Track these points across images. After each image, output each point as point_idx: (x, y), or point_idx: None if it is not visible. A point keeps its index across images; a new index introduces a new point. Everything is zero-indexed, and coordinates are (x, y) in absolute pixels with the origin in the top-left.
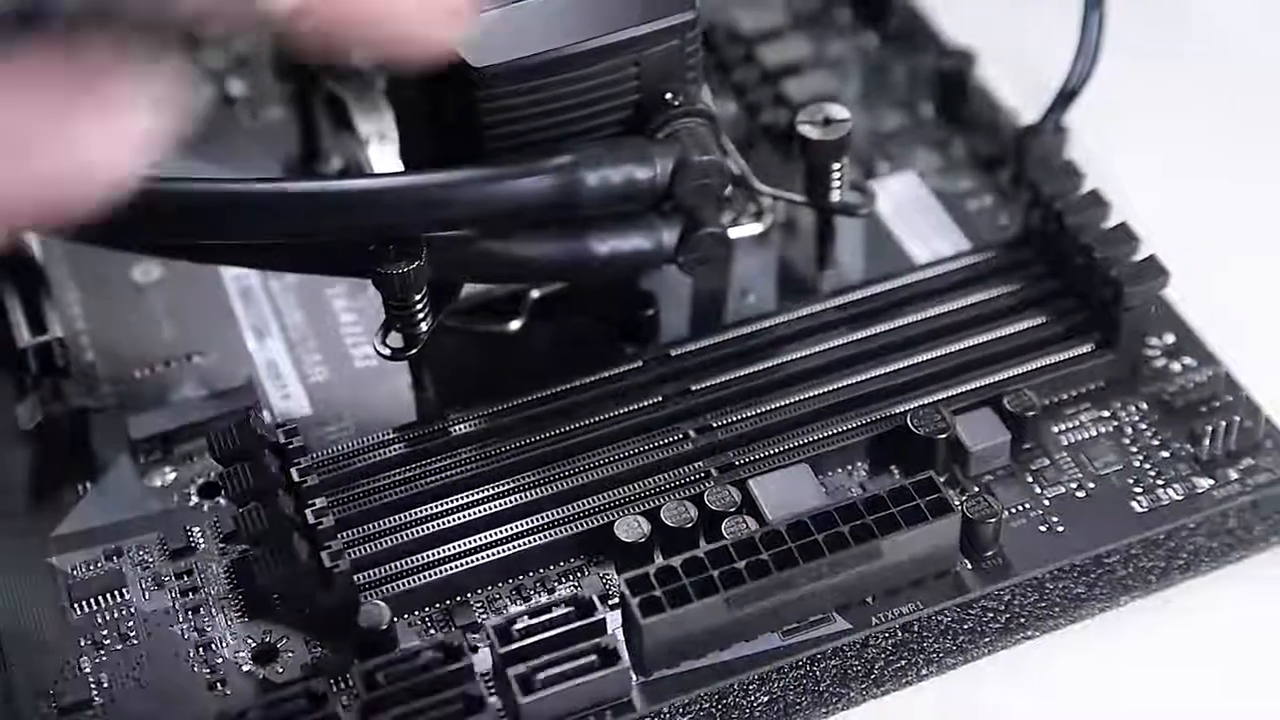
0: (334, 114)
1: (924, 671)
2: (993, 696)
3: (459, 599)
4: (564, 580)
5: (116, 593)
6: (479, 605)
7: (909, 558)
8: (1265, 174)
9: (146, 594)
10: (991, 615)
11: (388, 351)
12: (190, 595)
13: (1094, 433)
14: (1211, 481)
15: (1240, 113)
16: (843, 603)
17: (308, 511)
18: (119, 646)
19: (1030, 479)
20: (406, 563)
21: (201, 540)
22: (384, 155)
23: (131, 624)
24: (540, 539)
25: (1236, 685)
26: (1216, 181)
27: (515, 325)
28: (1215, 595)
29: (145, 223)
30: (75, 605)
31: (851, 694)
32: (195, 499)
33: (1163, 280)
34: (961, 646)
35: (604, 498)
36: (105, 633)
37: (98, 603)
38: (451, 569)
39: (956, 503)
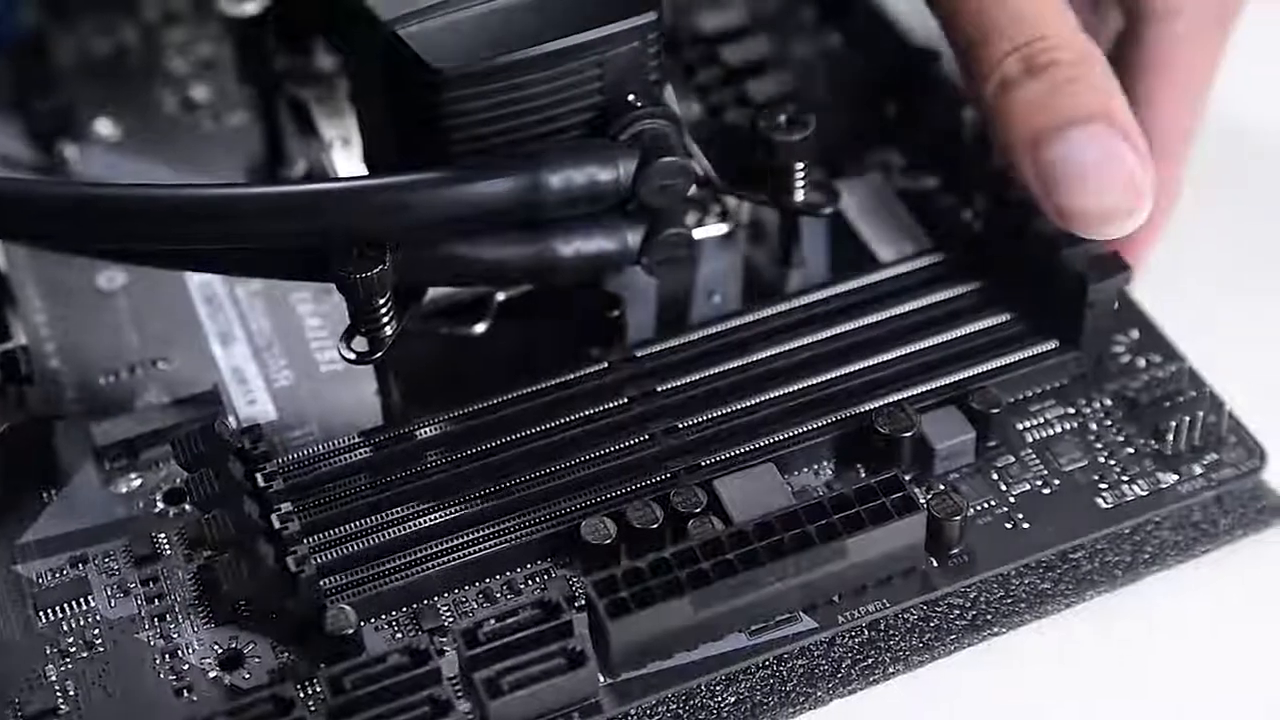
0: (297, 118)
1: (891, 670)
2: (960, 693)
3: (425, 603)
4: (531, 583)
5: (82, 600)
6: (446, 609)
7: (875, 556)
8: (1226, 171)
9: (112, 601)
10: (958, 612)
11: (353, 356)
12: (156, 602)
13: (1058, 429)
14: (1176, 477)
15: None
16: (809, 602)
17: (273, 517)
18: (84, 654)
19: (995, 476)
20: (373, 567)
21: (167, 547)
22: (347, 159)
23: (97, 631)
24: (506, 542)
25: (1204, 677)
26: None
27: (481, 328)
28: (1181, 589)
29: (98, 229)
30: (40, 613)
31: (819, 693)
32: (161, 505)
33: (1125, 275)
34: (928, 644)
35: (570, 500)
36: (71, 640)
37: (63, 610)
38: (418, 573)
39: (922, 501)
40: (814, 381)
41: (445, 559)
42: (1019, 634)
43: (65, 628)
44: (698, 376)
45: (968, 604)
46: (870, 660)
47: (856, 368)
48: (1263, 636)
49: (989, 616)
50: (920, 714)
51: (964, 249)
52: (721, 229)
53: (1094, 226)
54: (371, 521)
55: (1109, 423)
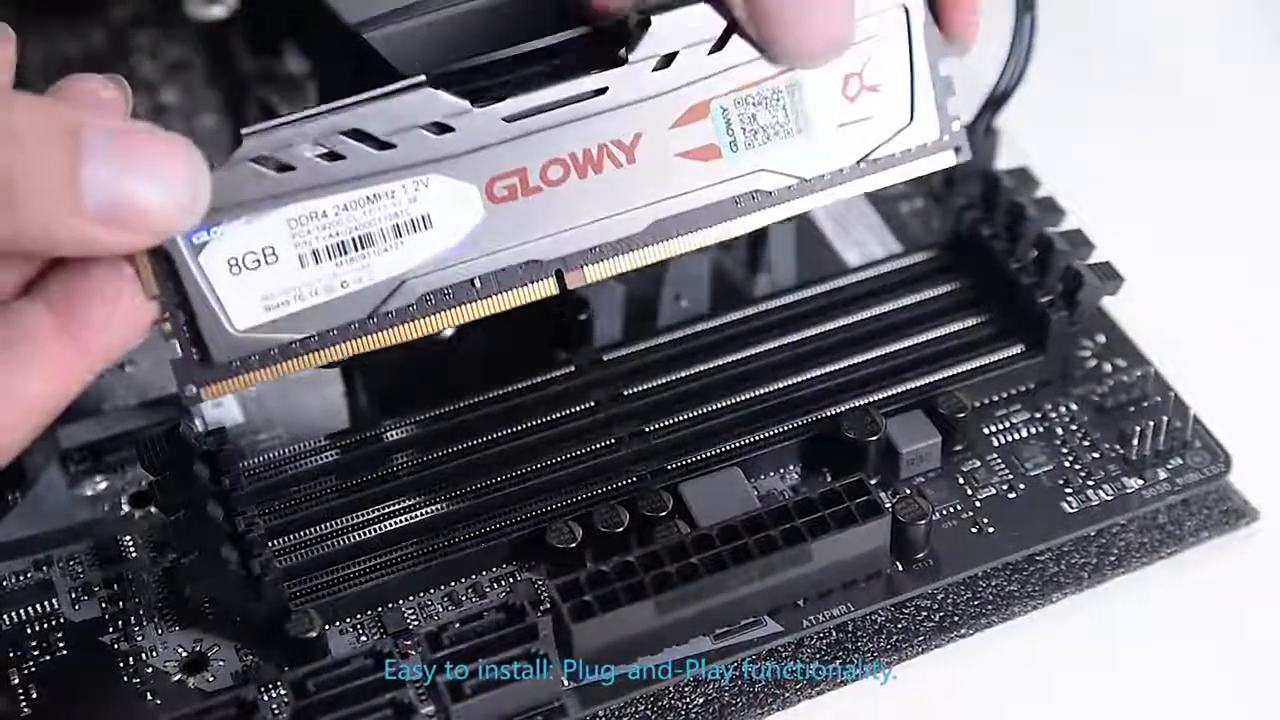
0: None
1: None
2: (928, 693)
3: (390, 606)
4: (496, 586)
5: (46, 603)
6: (411, 612)
7: (840, 560)
8: (1194, 178)
9: (76, 604)
10: (925, 614)
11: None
12: (120, 605)
13: (1024, 434)
14: (1141, 481)
15: (1170, 117)
16: (774, 606)
17: (237, 520)
18: (48, 657)
19: (961, 481)
20: (338, 570)
21: (132, 550)
22: None
23: (61, 634)
24: (472, 545)
25: (1170, 677)
26: (1146, 185)
27: (448, 332)
28: (1147, 590)
29: None
30: (4, 616)
31: (787, 694)
32: (126, 508)
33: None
34: (896, 645)
35: (536, 503)
36: (34, 643)
37: (27, 613)
38: (383, 576)
39: (887, 505)
40: (780, 386)
41: (410, 562)
42: (986, 635)
43: (29, 631)
44: (665, 380)
45: (935, 606)
46: (838, 662)
47: (823, 372)
48: (1228, 637)
49: (956, 618)
50: (888, 715)
51: (931, 253)
52: None
53: (801, 62)
54: (337, 525)
55: (1075, 427)
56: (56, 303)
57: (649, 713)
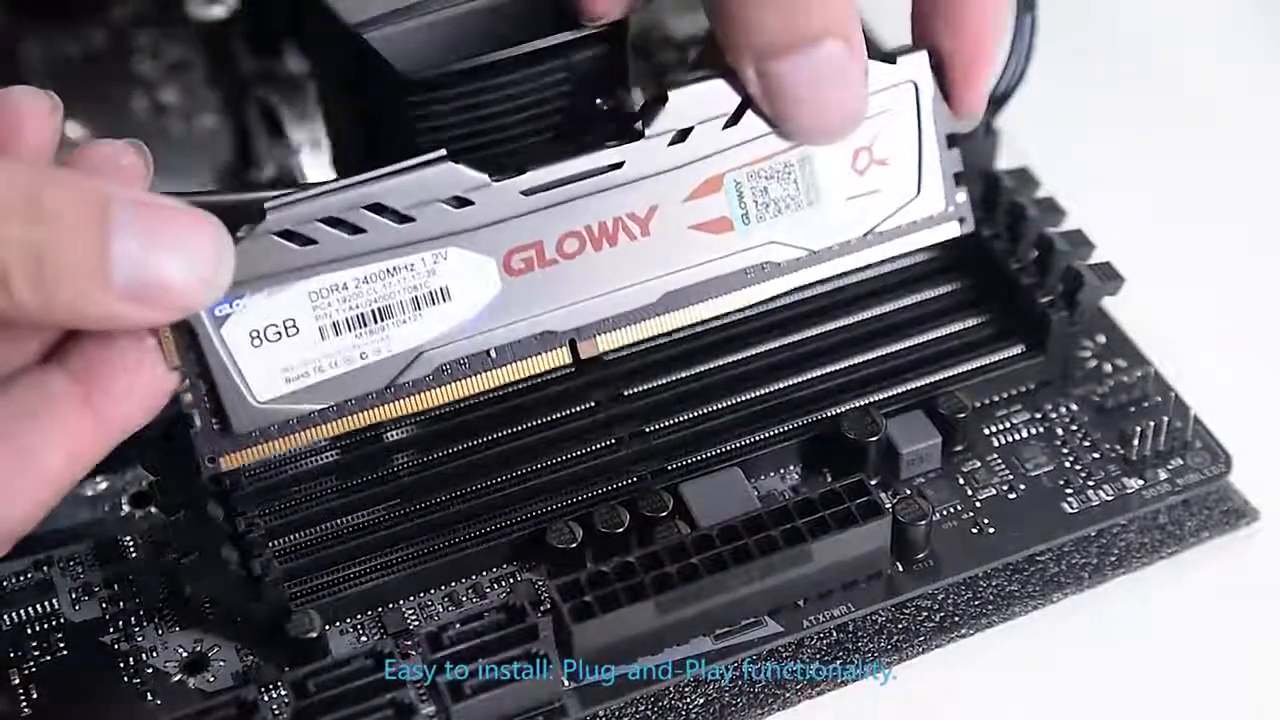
0: (266, 121)
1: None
2: (928, 693)
3: (391, 606)
4: (496, 586)
5: (46, 603)
6: (411, 612)
7: (840, 560)
8: (1194, 178)
9: (76, 604)
10: (925, 614)
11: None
12: (121, 605)
13: (1025, 434)
14: (1141, 482)
15: (1170, 117)
16: (774, 606)
17: (238, 520)
18: (48, 657)
19: (961, 481)
20: (338, 570)
21: (133, 549)
22: (316, 162)
23: (61, 634)
24: (473, 545)
25: (1171, 677)
26: (1146, 185)
27: None
28: (1148, 590)
29: None
30: (4, 616)
31: (787, 694)
32: (126, 508)
33: (1115, 284)
34: (896, 645)
35: (536, 503)
36: (34, 643)
37: (27, 613)
38: (383, 577)
39: (887, 505)
40: (781, 386)
41: (411, 563)
42: (986, 635)
43: (29, 631)
44: (665, 380)
45: (935, 606)
46: (838, 662)
47: (823, 372)
48: (1228, 637)
49: (956, 618)
50: (888, 715)
51: (932, 254)
52: None
53: (814, 139)
54: (337, 525)
55: (1075, 428)
56: (78, 372)
57: (649, 713)
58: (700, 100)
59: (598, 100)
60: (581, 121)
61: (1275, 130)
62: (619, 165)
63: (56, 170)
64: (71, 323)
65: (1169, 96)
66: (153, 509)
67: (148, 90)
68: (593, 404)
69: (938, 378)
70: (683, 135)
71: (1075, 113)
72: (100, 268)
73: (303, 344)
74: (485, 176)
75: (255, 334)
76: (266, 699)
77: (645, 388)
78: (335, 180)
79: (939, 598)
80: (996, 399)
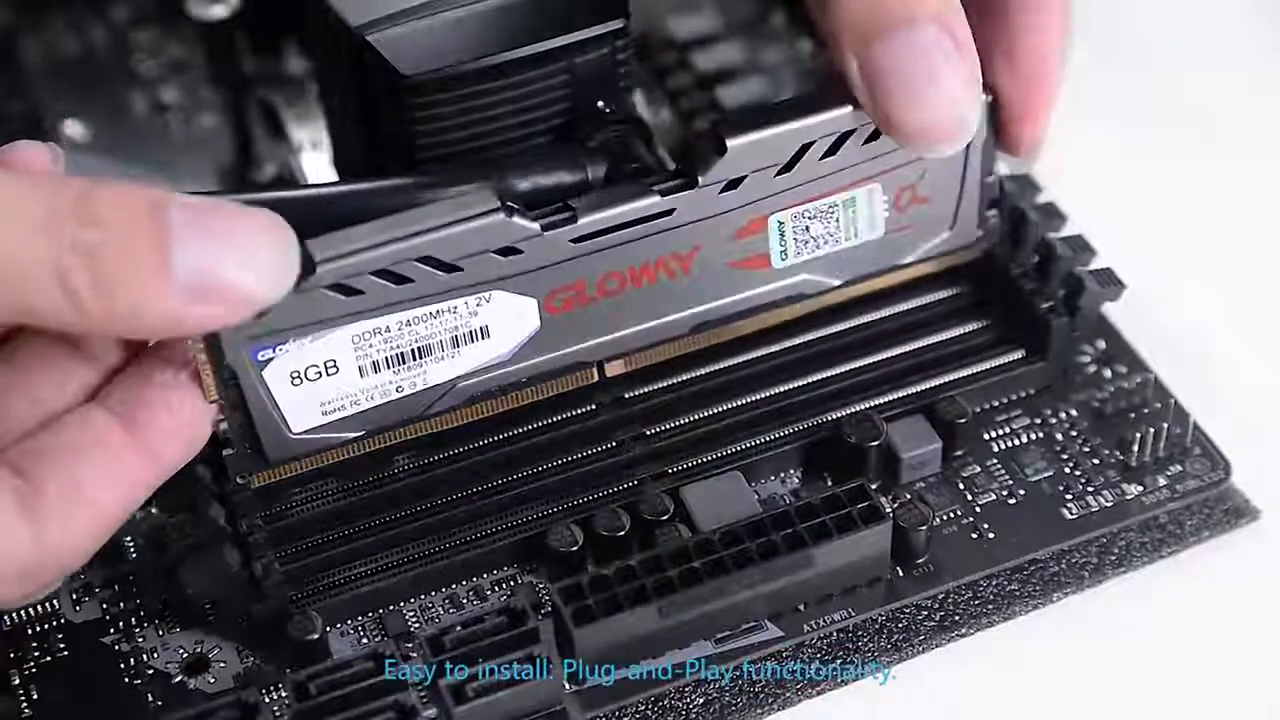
0: (267, 121)
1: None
2: (928, 693)
3: (392, 608)
4: (497, 589)
5: (46, 603)
6: (412, 614)
7: (841, 565)
8: (1195, 183)
9: (77, 605)
10: (925, 614)
11: None
12: (121, 605)
13: (1025, 440)
14: (1140, 488)
15: (1170, 119)
16: (775, 610)
17: (241, 521)
18: (48, 658)
19: (961, 486)
20: (339, 572)
21: (133, 550)
22: (316, 163)
23: (61, 635)
24: (474, 548)
25: (1171, 676)
26: (1148, 189)
27: None
28: (1148, 589)
29: None
30: (4, 616)
31: (787, 694)
32: None
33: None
34: (896, 645)
35: (537, 506)
36: (35, 644)
37: (27, 614)
38: (384, 579)
39: (888, 510)
40: (782, 390)
41: (412, 565)
42: (986, 635)
43: (29, 632)
44: (666, 384)
45: (935, 606)
46: (839, 661)
47: (824, 376)
48: (1229, 636)
49: (956, 618)
50: (888, 715)
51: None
52: None
53: (917, 141)
54: (339, 527)
55: (1075, 433)
56: (121, 410)
57: (650, 713)
58: (756, 149)
59: (599, 102)
60: (584, 123)
61: (1275, 132)
62: (670, 212)
63: (102, 180)
64: (135, 328)
65: (1169, 99)
66: (153, 509)
67: (147, 90)
68: (594, 407)
69: (938, 382)
70: (735, 183)
71: (1075, 115)
72: (159, 267)
73: (342, 381)
74: (536, 226)
75: (296, 374)
76: (268, 700)
77: (646, 391)
78: (384, 223)
79: (939, 598)
80: (997, 404)
